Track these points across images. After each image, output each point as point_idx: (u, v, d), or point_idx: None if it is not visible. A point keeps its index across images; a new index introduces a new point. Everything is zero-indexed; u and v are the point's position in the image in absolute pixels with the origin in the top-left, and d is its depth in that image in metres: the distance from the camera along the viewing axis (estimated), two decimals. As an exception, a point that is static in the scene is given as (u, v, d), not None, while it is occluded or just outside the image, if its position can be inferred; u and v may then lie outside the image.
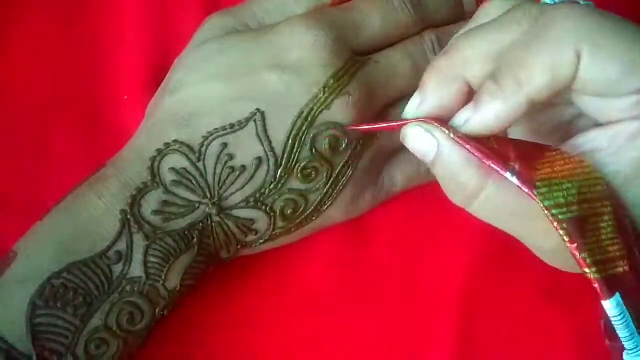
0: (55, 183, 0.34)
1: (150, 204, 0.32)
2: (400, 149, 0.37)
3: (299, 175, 0.33)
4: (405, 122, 0.28)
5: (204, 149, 0.32)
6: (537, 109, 0.27)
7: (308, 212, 0.35)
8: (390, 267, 0.38)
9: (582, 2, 0.28)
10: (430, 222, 0.39)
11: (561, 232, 0.25)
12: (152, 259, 0.32)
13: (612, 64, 0.25)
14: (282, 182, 0.33)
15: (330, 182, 0.34)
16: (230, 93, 0.33)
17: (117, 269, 0.31)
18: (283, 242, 0.36)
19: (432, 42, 0.36)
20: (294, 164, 0.33)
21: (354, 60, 0.34)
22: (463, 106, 0.28)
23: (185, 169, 0.32)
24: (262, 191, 0.33)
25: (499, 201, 0.27)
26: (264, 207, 0.33)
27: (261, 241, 0.35)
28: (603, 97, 0.26)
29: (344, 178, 0.35)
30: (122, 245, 0.31)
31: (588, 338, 0.37)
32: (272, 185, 0.33)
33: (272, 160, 0.33)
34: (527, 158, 0.26)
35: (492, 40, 0.27)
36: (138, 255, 0.31)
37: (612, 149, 0.27)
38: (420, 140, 0.28)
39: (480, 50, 0.28)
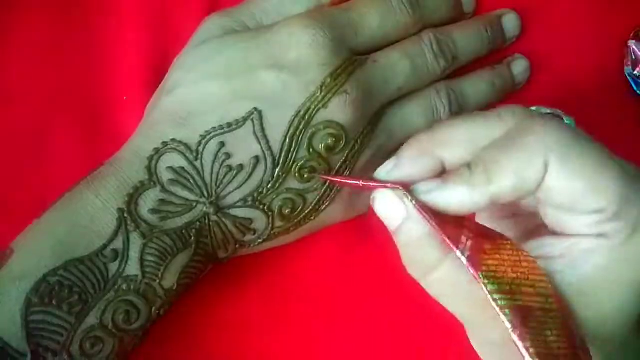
0: (55, 183, 0.34)
1: (147, 202, 0.32)
2: (399, 149, 0.36)
3: (297, 174, 0.33)
4: (373, 183, 0.28)
5: (201, 147, 0.32)
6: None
7: (306, 211, 0.34)
8: (390, 267, 0.38)
9: (565, 119, 0.31)
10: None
11: (504, 317, 0.24)
12: (149, 258, 0.31)
13: (576, 179, 0.26)
14: (280, 181, 0.33)
15: (328, 182, 0.34)
16: (228, 92, 0.33)
17: (113, 267, 0.31)
18: (282, 242, 0.36)
19: (431, 41, 0.36)
20: (291, 163, 0.33)
21: (351, 59, 0.34)
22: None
23: (182, 167, 0.32)
24: (260, 190, 0.33)
25: (453, 281, 0.27)
26: (261, 207, 0.33)
27: (259, 241, 0.35)
28: (563, 211, 0.27)
29: (342, 178, 0.34)
30: (118, 244, 0.31)
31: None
32: (269, 185, 0.33)
33: (269, 159, 0.33)
34: (480, 240, 0.26)
35: (474, 130, 0.28)
36: (134, 254, 0.31)
37: (567, 259, 0.27)
38: (390, 206, 0.27)
39: (460, 136, 0.28)
